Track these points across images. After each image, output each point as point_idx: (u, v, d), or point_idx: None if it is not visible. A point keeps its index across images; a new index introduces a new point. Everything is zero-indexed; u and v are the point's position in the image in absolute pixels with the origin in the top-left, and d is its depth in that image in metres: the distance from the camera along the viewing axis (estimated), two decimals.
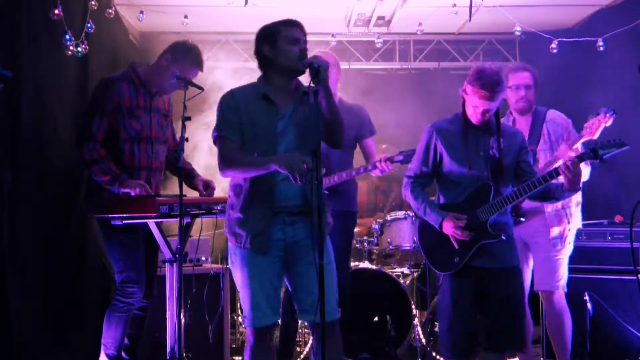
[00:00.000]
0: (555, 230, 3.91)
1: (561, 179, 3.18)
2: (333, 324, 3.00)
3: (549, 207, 3.90)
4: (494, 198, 3.26)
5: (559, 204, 3.88)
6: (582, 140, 3.72)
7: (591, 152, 3.20)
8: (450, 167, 3.34)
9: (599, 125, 3.64)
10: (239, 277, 3.01)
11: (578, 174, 3.13)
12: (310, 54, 3.08)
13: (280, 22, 3.00)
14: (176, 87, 3.72)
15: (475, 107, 3.26)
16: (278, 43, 2.95)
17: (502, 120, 4.03)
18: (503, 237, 3.24)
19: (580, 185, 3.23)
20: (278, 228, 2.95)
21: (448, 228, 3.27)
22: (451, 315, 3.29)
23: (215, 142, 3.02)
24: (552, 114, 4.02)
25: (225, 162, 2.94)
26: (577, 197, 4.01)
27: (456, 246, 3.28)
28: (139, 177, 3.74)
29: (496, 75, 3.21)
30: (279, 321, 4.14)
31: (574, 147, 3.76)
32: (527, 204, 3.91)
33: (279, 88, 2.99)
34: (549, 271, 3.92)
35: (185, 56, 3.78)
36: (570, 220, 3.94)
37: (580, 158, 3.21)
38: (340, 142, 3.02)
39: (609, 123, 3.63)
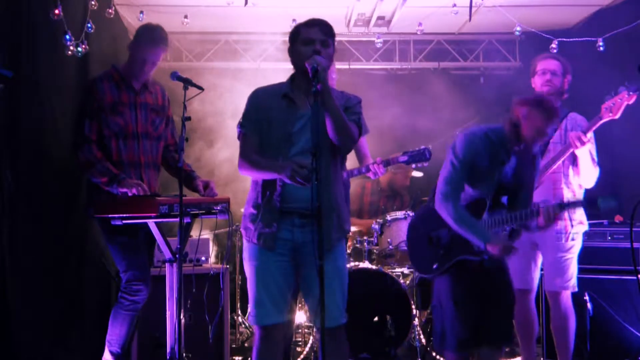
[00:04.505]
0: (560, 224, 3.91)
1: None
2: (338, 329, 2.99)
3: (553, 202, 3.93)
4: (488, 213, 3.31)
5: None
6: (602, 121, 3.71)
7: (587, 202, 3.38)
8: (469, 182, 3.38)
9: (621, 105, 3.60)
10: (247, 272, 3.05)
11: (555, 220, 3.26)
12: None
13: (303, 22, 3.02)
14: (148, 69, 3.86)
15: (538, 129, 3.28)
16: (296, 44, 2.99)
17: None
18: (485, 257, 3.28)
19: (549, 227, 3.37)
20: (287, 228, 2.96)
21: (496, 249, 3.22)
22: (453, 306, 3.30)
23: (238, 138, 3.08)
24: (574, 115, 4.05)
25: (242, 160, 3.01)
26: (579, 196, 4.03)
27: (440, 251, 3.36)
28: (129, 174, 3.76)
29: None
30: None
31: (589, 134, 3.77)
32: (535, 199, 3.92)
33: (301, 88, 2.99)
34: (559, 272, 3.93)
35: (145, 45, 3.85)
36: (573, 218, 3.95)
37: (575, 204, 3.38)
38: (346, 144, 2.95)
39: (632, 101, 3.59)
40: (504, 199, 3.37)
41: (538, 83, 4.05)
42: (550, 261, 3.96)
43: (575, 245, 3.96)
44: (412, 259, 3.56)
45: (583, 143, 3.74)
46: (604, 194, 5.40)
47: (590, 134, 3.81)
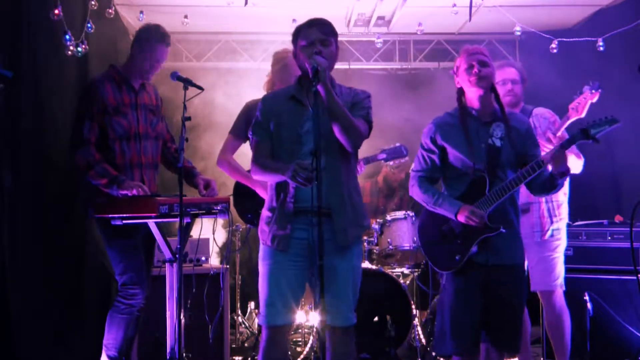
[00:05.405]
0: (536, 222, 3.91)
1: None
2: (346, 329, 2.99)
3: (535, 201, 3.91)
4: (489, 190, 3.20)
5: (543, 199, 3.88)
6: (570, 121, 3.69)
7: (581, 132, 3.15)
8: (453, 160, 3.31)
9: (585, 103, 3.61)
10: (260, 274, 3.05)
11: (564, 160, 3.12)
12: None
13: (303, 23, 3.03)
14: (158, 68, 3.84)
15: (469, 75, 3.24)
16: (297, 44, 3.01)
17: None
18: (502, 230, 3.17)
19: (568, 168, 3.18)
20: (303, 228, 2.96)
21: (463, 216, 3.19)
22: (456, 307, 3.22)
23: (251, 145, 3.12)
24: (539, 110, 4.02)
25: (254, 165, 3.05)
26: (564, 190, 4.00)
27: (458, 241, 3.23)
28: (132, 176, 3.74)
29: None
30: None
31: (558, 134, 3.74)
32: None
33: (308, 89, 2.97)
34: (545, 271, 3.91)
35: (155, 44, 3.82)
36: (555, 214, 3.93)
37: (571, 140, 3.18)
38: (353, 143, 2.95)
39: (596, 99, 3.59)
40: (501, 174, 3.26)
41: (500, 93, 4.01)
42: (535, 261, 3.93)
43: (561, 245, 3.94)
44: (432, 260, 3.41)
45: (553, 144, 3.71)
46: (604, 193, 5.45)
47: (560, 133, 3.78)
